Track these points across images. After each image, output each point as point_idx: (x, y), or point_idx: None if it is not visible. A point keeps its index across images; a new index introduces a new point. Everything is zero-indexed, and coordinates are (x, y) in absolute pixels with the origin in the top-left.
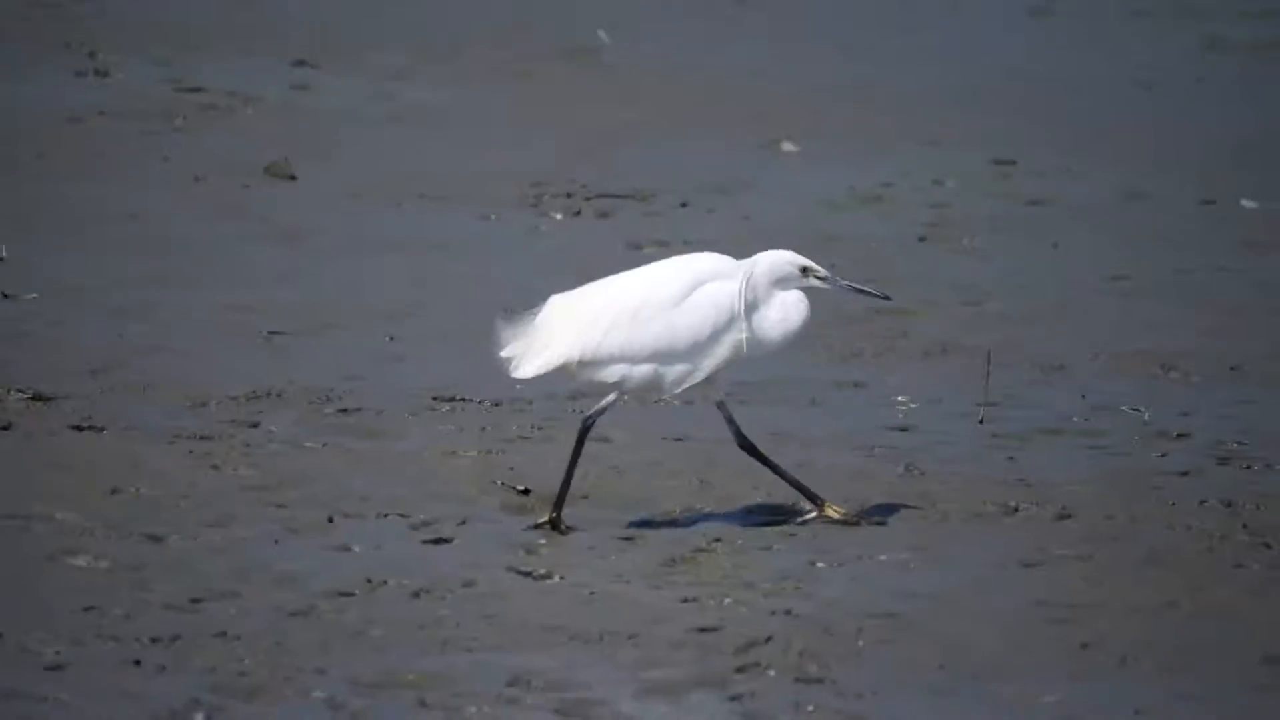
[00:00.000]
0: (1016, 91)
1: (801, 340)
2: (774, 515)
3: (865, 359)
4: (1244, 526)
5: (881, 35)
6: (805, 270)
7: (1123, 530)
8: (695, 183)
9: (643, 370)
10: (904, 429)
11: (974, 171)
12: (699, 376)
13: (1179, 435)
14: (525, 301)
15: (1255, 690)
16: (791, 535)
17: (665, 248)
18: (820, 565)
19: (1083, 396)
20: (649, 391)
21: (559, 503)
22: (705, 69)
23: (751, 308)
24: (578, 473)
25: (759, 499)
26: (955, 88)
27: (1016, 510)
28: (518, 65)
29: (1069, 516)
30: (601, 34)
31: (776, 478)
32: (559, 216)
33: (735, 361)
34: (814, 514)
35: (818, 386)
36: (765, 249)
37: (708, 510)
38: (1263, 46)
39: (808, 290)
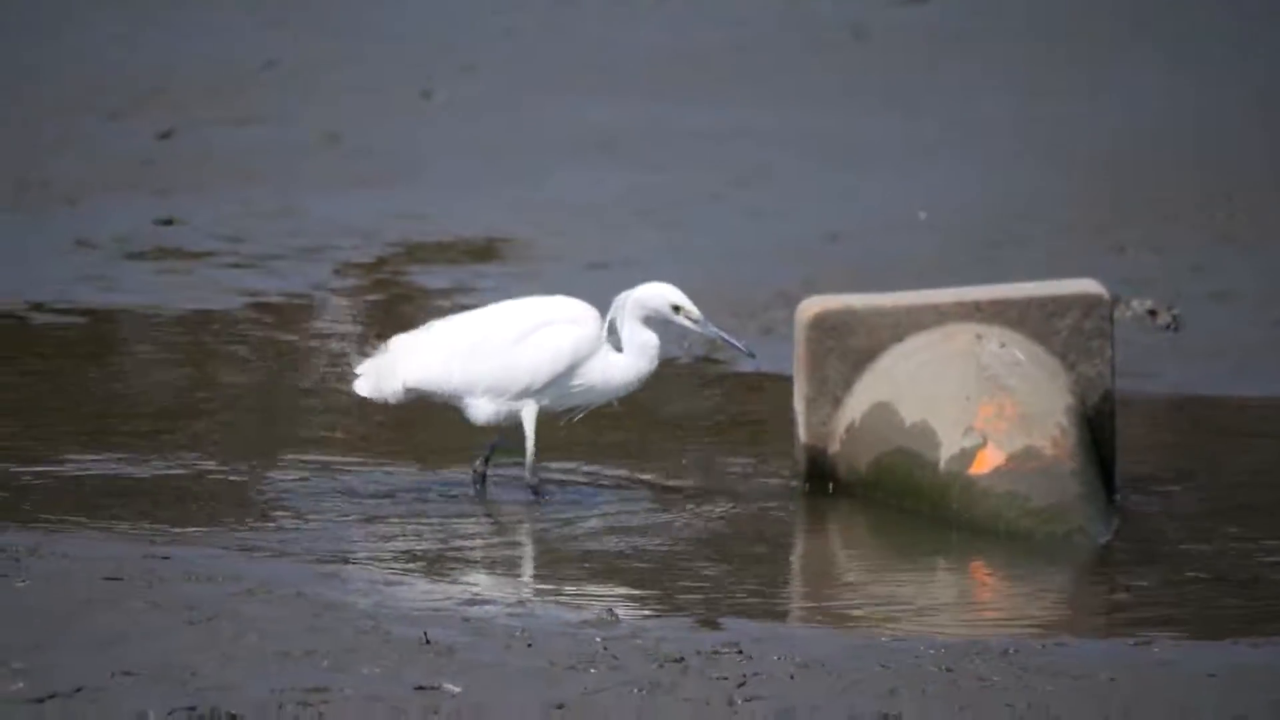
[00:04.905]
0: None
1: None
2: None
3: None
4: None
5: None
6: (677, 308)
7: None
8: None
9: (480, 402)
10: None
11: None
12: (531, 412)
13: None
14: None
15: None
16: None
17: None
18: None
19: None
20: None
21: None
22: None
23: (600, 348)
24: None
25: None
26: None
27: None
28: None
29: None
30: None
31: None
32: None
33: (573, 403)
34: None
35: None
36: None
37: None
38: None
39: (672, 328)
